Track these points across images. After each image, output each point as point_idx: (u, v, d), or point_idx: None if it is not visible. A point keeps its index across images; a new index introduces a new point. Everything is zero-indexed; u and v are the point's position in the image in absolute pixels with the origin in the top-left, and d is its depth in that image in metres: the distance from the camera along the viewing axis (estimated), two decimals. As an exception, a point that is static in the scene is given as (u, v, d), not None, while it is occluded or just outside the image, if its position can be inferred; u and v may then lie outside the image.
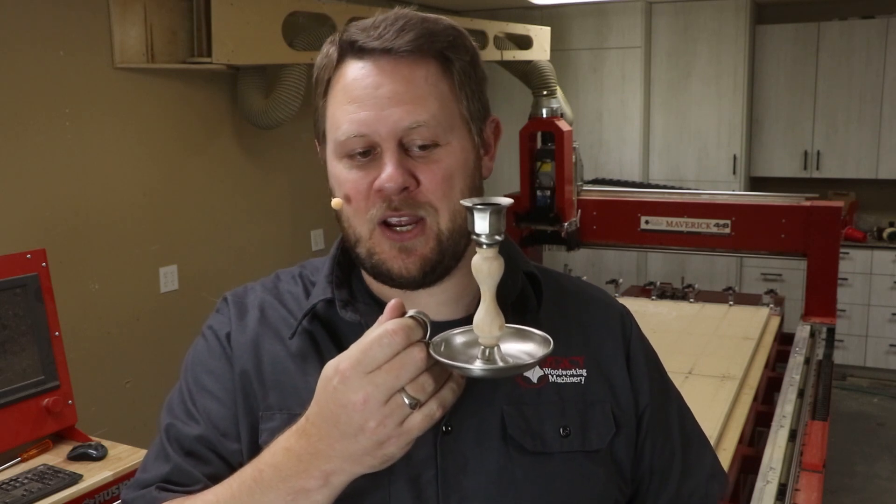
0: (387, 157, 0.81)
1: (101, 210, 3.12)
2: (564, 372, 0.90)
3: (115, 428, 2.84)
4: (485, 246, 0.71)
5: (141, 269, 3.32)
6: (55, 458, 2.15)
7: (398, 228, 0.83)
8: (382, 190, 0.81)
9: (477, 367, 0.70)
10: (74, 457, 2.14)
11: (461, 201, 0.73)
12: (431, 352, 0.70)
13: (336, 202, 0.85)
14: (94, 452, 2.14)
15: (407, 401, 0.69)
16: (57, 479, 2.01)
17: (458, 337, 0.75)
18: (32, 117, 2.85)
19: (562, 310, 0.94)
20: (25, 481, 1.99)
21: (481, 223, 0.70)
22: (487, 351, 0.72)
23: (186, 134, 3.52)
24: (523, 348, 0.73)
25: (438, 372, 0.71)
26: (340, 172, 0.85)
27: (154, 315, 3.35)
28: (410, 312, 0.72)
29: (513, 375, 0.75)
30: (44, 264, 2.23)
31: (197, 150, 3.59)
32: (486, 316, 0.72)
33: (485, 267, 0.71)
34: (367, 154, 0.83)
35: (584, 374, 0.90)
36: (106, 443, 2.20)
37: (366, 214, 0.83)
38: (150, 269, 3.36)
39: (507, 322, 0.86)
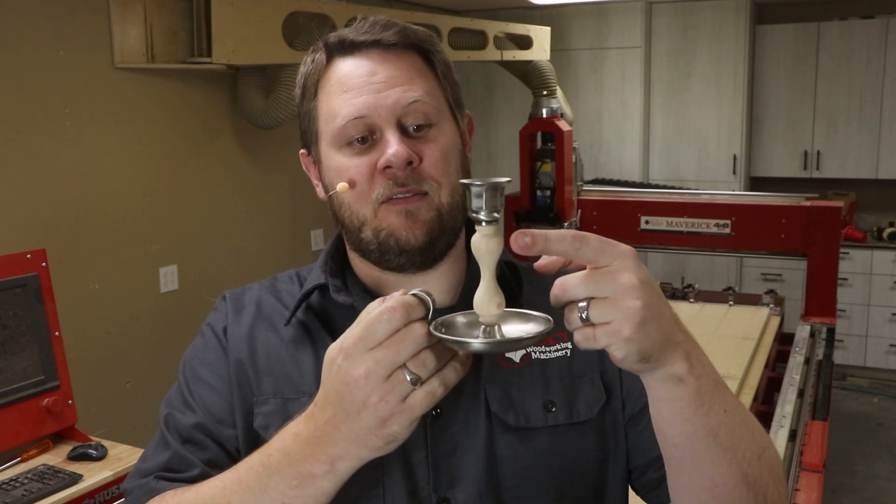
0: (389, 136, 0.86)
1: (101, 210, 3.12)
2: (548, 348, 0.92)
3: (115, 428, 2.84)
4: (483, 223, 0.72)
5: (141, 269, 3.32)
6: (55, 458, 2.15)
7: (402, 198, 0.86)
8: (390, 166, 0.85)
9: (476, 341, 0.71)
10: (74, 457, 2.14)
11: (460, 181, 0.76)
12: (431, 329, 0.71)
13: (342, 186, 0.87)
14: (94, 452, 2.14)
15: (408, 377, 0.70)
16: (57, 479, 2.01)
17: (460, 318, 0.75)
18: (32, 117, 2.85)
19: (542, 294, 0.95)
20: (25, 481, 1.99)
21: (478, 200, 0.72)
22: (488, 329, 0.73)
23: (186, 134, 3.52)
24: (524, 328, 0.73)
25: (441, 350, 0.71)
26: (341, 161, 0.88)
27: (154, 315, 3.36)
28: (413, 291, 0.73)
29: (512, 350, 0.76)
30: (44, 264, 2.23)
31: (197, 150, 3.59)
32: (486, 294, 0.72)
33: (483, 244, 0.72)
34: (365, 141, 0.87)
35: (570, 346, 0.91)
36: (106, 443, 2.20)
37: (370, 195, 0.86)
38: (150, 269, 3.36)
39: None
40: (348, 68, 0.88)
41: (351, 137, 0.87)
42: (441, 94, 0.91)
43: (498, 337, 0.72)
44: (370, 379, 0.70)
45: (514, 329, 0.74)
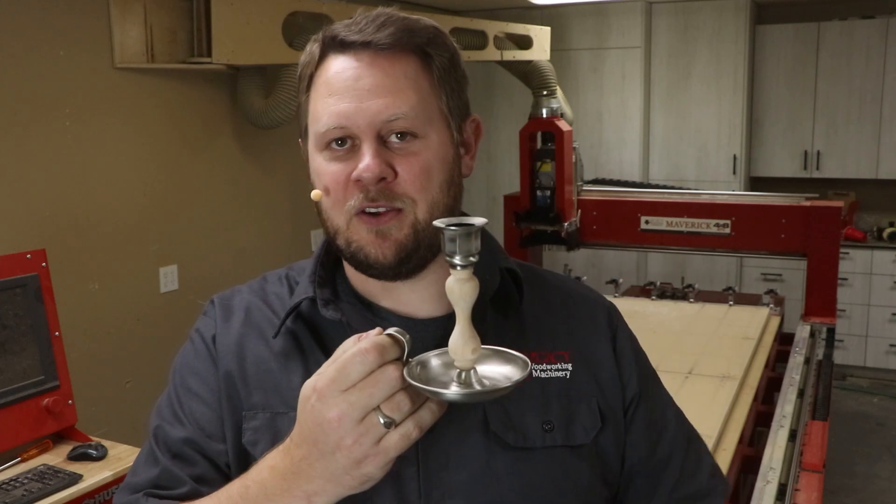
0: (365, 148, 0.82)
1: (102, 210, 3.12)
2: (549, 367, 0.90)
3: (115, 428, 2.84)
4: (458, 267, 0.70)
5: (141, 269, 3.32)
6: (55, 458, 2.15)
7: (374, 214, 0.84)
8: (360, 179, 0.82)
9: (450, 391, 0.70)
10: (74, 457, 2.14)
11: (434, 222, 0.73)
12: (405, 374, 0.70)
13: (315, 194, 0.85)
14: (94, 452, 2.14)
15: (382, 420, 0.69)
16: (57, 479, 2.01)
17: (435, 359, 0.74)
18: (32, 117, 2.85)
19: (546, 304, 0.94)
20: (25, 481, 1.99)
21: (451, 244, 0.70)
22: (463, 374, 0.72)
23: (186, 134, 3.52)
24: (501, 371, 0.72)
25: (416, 392, 0.71)
26: (320, 164, 0.86)
27: (154, 315, 3.36)
28: (389, 330, 0.72)
29: (488, 399, 0.75)
30: (44, 264, 2.23)
31: (197, 150, 3.59)
32: (461, 338, 0.71)
33: (457, 289, 0.71)
34: (344, 143, 0.84)
35: (570, 368, 0.91)
36: (106, 443, 2.20)
37: (344, 205, 0.84)
38: (150, 269, 3.36)
39: (490, 317, 0.85)
40: (337, 68, 0.85)
41: (331, 141, 0.84)
42: (433, 102, 0.85)
43: (474, 382, 0.71)
44: (343, 422, 0.69)
45: (491, 371, 0.72)
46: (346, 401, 0.69)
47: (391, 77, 0.83)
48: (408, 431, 0.70)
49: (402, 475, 0.83)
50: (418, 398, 0.71)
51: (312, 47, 0.88)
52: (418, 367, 0.72)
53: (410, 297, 0.89)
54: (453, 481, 0.84)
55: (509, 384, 0.70)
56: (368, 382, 0.69)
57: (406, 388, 0.70)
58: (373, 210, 0.83)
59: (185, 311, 3.43)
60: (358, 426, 0.70)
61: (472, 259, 0.70)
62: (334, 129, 0.83)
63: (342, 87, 0.83)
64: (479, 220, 0.71)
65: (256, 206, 3.93)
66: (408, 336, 0.72)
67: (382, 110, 0.82)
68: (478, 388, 0.71)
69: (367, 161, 0.81)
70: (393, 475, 0.82)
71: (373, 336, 0.71)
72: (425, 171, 0.84)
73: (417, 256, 0.85)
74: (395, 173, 0.83)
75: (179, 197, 3.48)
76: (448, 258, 0.70)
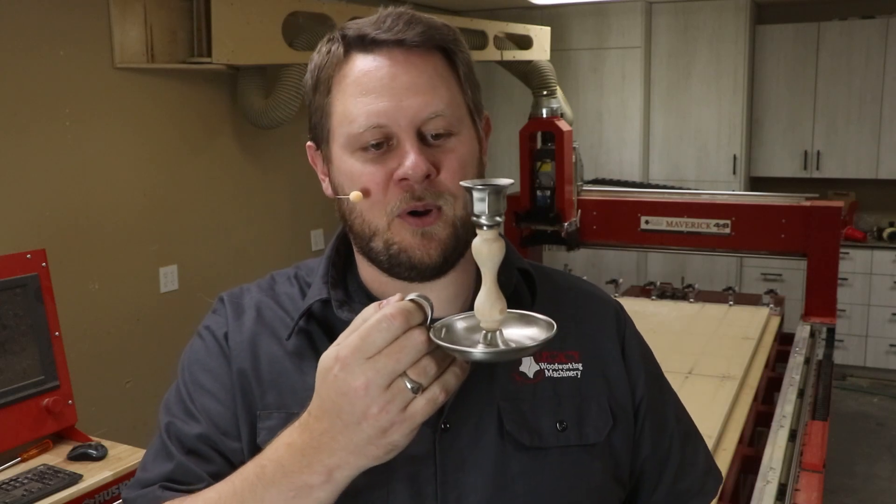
0: (408, 146, 0.81)
1: (102, 210, 3.12)
2: (560, 366, 0.90)
3: (115, 428, 2.85)
4: (485, 227, 0.70)
5: (141, 269, 3.32)
6: (55, 458, 2.15)
7: (417, 215, 0.83)
8: (407, 178, 0.81)
9: (477, 350, 0.69)
10: (74, 457, 2.14)
11: (460, 182, 0.73)
12: (432, 336, 0.69)
13: (356, 195, 0.83)
14: (94, 452, 2.14)
15: (409, 385, 0.68)
16: (57, 479, 2.01)
17: (460, 322, 0.73)
18: (32, 117, 2.85)
19: (556, 305, 0.94)
20: (25, 481, 1.99)
21: (481, 204, 0.70)
22: (489, 335, 0.71)
23: (186, 134, 3.52)
24: (526, 333, 0.72)
25: (441, 356, 0.70)
26: (353, 166, 0.84)
27: (154, 315, 3.36)
28: (411, 296, 0.71)
29: (514, 359, 0.74)
30: (44, 264, 2.23)
31: (197, 150, 3.59)
32: (487, 300, 0.71)
33: (485, 248, 0.70)
34: (380, 146, 0.83)
35: (580, 368, 0.91)
36: (106, 443, 2.20)
37: (384, 206, 0.83)
38: (150, 269, 3.36)
39: None
40: (367, 67, 0.83)
41: (367, 143, 0.82)
42: (462, 100, 0.86)
43: (500, 343, 0.71)
44: (370, 389, 0.68)
45: (516, 334, 0.72)
46: (373, 368, 0.68)
47: (426, 75, 0.83)
48: (434, 395, 0.69)
49: (420, 476, 0.83)
50: (443, 362, 0.70)
51: (332, 46, 0.86)
52: (443, 331, 0.71)
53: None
54: (469, 482, 0.84)
55: (536, 344, 0.70)
56: (395, 348, 0.68)
57: (431, 352, 0.69)
58: (418, 210, 0.82)
59: (185, 311, 3.44)
60: (385, 393, 0.68)
61: (498, 219, 0.70)
62: (373, 128, 0.82)
63: (378, 86, 0.82)
64: (505, 181, 0.71)
65: (256, 206, 3.93)
66: (430, 300, 0.71)
67: (423, 108, 0.82)
68: (503, 347, 0.70)
69: (412, 159, 0.81)
70: (410, 476, 0.82)
71: (395, 302, 0.70)
72: (463, 168, 0.84)
73: (456, 254, 0.85)
74: (437, 170, 0.82)
75: (179, 197, 3.48)
76: (475, 218, 0.70)
